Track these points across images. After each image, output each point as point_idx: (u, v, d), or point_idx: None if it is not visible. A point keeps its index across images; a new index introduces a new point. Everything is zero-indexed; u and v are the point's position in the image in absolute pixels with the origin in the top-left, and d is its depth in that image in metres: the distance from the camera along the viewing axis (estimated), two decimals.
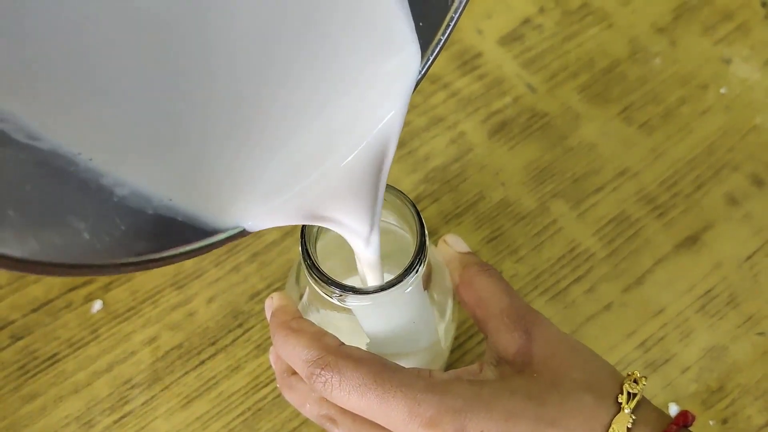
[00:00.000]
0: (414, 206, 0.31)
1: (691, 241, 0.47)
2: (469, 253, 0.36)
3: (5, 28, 0.19)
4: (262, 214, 0.26)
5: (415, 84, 0.27)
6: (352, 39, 0.25)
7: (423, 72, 0.28)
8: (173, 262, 0.25)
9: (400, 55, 0.26)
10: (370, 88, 0.26)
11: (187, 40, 0.22)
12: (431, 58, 0.28)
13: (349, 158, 0.27)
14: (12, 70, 0.20)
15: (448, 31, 0.27)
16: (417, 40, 0.26)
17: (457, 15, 0.27)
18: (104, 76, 0.21)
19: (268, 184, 0.26)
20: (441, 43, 0.28)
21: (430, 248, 0.32)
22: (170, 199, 0.24)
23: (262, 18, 0.23)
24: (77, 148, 0.22)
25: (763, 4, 0.55)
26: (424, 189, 0.49)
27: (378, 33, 0.25)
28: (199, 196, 0.25)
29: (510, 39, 0.54)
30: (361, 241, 0.29)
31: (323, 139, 0.26)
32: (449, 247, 0.36)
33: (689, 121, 0.51)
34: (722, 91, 0.52)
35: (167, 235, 0.25)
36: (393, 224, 0.35)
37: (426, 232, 0.30)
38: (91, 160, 0.22)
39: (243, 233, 0.26)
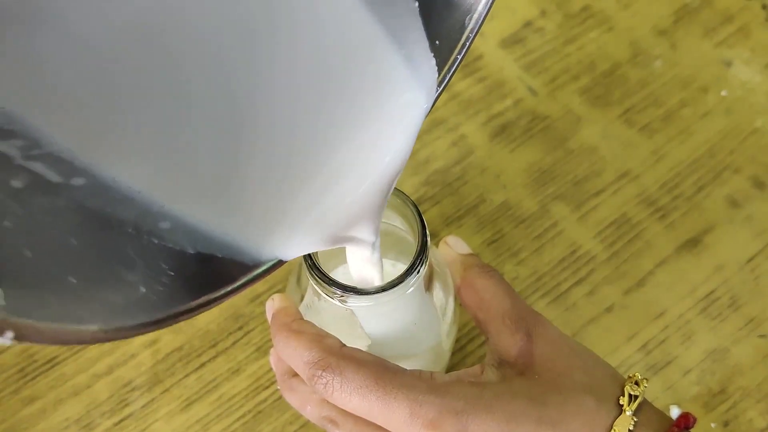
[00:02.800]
0: (415, 207, 0.31)
1: (693, 243, 0.47)
2: (470, 254, 0.36)
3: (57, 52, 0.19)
4: (295, 243, 0.27)
5: (424, 115, 0.28)
6: (367, 87, 0.26)
7: (440, 90, 0.28)
8: (222, 301, 0.26)
9: (413, 92, 0.27)
10: (385, 125, 0.27)
11: (233, 96, 0.23)
12: (448, 77, 0.28)
13: (366, 185, 0.28)
14: (66, 98, 0.20)
15: (464, 51, 0.28)
16: (431, 76, 0.27)
17: (473, 35, 0.28)
18: (157, 115, 0.22)
19: (299, 216, 0.27)
20: (458, 62, 0.28)
21: (432, 250, 0.32)
22: (213, 231, 0.25)
23: (290, 80, 0.24)
24: (131, 181, 0.22)
25: (764, 7, 0.55)
26: (425, 192, 0.48)
27: (391, 78, 0.27)
28: (240, 228, 0.26)
29: (511, 42, 0.54)
30: (368, 249, 0.30)
31: (343, 171, 0.27)
32: (450, 248, 0.36)
33: (690, 124, 0.51)
34: (723, 93, 0.52)
35: (212, 275, 0.25)
36: (395, 226, 0.35)
37: (427, 232, 0.30)
38: (140, 192, 0.22)
39: (280, 263, 0.27)
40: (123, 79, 0.21)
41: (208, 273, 0.25)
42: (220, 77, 0.23)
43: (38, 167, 0.20)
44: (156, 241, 0.23)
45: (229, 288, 0.26)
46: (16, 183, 0.20)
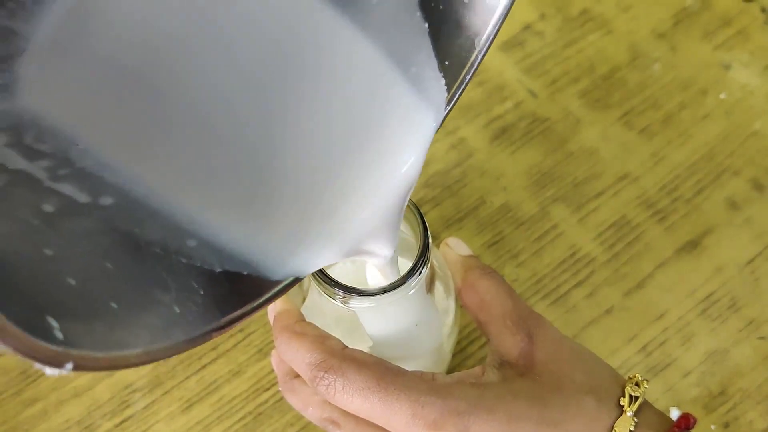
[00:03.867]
0: (417, 208, 0.31)
1: (692, 245, 0.47)
2: (471, 256, 0.36)
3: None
4: (316, 256, 0.28)
5: (433, 134, 0.29)
6: (381, 113, 0.28)
7: (449, 108, 0.29)
8: (250, 316, 0.26)
9: (423, 114, 0.28)
10: (397, 145, 0.28)
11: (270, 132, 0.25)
12: (457, 95, 0.29)
13: (379, 202, 0.29)
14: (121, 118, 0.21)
15: (473, 70, 0.29)
16: (441, 96, 0.28)
17: (482, 55, 0.28)
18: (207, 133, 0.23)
19: (320, 231, 0.28)
20: (466, 81, 0.29)
21: (433, 251, 0.33)
22: (238, 249, 0.26)
23: (315, 111, 0.26)
24: (164, 196, 0.23)
25: (763, 10, 0.55)
26: (425, 194, 0.49)
27: (402, 102, 0.28)
28: (265, 245, 0.27)
29: (511, 45, 0.54)
30: (384, 262, 0.30)
31: (359, 189, 0.28)
32: (451, 250, 0.36)
33: (689, 126, 0.51)
34: (722, 96, 0.52)
35: (240, 291, 0.26)
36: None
37: (429, 234, 0.30)
38: (171, 207, 0.23)
39: (297, 279, 0.28)
40: (165, 97, 0.22)
41: (236, 290, 0.26)
42: (258, 107, 0.24)
43: (66, 188, 0.21)
44: (184, 261, 0.24)
45: (257, 303, 0.26)
46: (48, 207, 0.20)
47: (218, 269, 0.25)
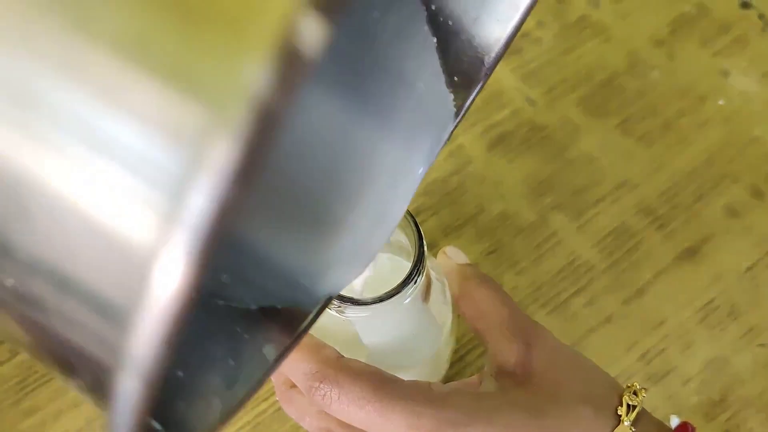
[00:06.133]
0: (412, 217, 0.31)
1: (692, 252, 0.47)
2: (468, 265, 0.36)
3: None
4: (345, 275, 0.28)
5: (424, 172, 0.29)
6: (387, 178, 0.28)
7: (457, 122, 0.29)
8: (294, 348, 0.26)
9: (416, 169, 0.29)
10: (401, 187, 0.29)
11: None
12: (463, 110, 0.29)
13: (387, 224, 0.29)
14: None
15: (480, 85, 0.29)
16: (449, 110, 0.29)
17: (490, 72, 0.28)
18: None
19: (348, 254, 0.28)
20: (473, 96, 0.29)
21: (430, 260, 0.33)
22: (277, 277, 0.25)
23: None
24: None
25: (761, 17, 0.55)
26: (423, 202, 0.49)
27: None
28: (308, 273, 0.27)
29: (509, 52, 0.54)
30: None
31: (372, 220, 0.29)
32: (449, 259, 0.36)
33: (688, 133, 0.51)
34: (720, 102, 0.52)
35: (277, 328, 0.26)
36: (396, 238, 0.35)
37: (424, 242, 0.30)
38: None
39: (326, 304, 0.28)
40: None
41: (272, 325, 0.25)
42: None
43: None
44: (221, 303, 0.23)
45: (298, 331, 0.26)
46: None
47: (254, 307, 0.25)
